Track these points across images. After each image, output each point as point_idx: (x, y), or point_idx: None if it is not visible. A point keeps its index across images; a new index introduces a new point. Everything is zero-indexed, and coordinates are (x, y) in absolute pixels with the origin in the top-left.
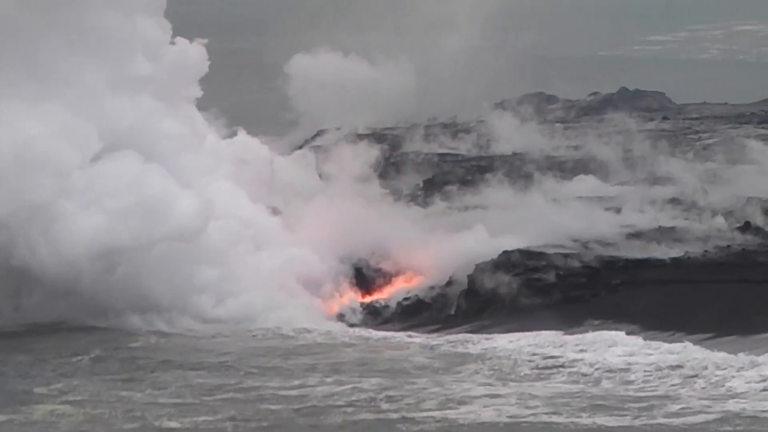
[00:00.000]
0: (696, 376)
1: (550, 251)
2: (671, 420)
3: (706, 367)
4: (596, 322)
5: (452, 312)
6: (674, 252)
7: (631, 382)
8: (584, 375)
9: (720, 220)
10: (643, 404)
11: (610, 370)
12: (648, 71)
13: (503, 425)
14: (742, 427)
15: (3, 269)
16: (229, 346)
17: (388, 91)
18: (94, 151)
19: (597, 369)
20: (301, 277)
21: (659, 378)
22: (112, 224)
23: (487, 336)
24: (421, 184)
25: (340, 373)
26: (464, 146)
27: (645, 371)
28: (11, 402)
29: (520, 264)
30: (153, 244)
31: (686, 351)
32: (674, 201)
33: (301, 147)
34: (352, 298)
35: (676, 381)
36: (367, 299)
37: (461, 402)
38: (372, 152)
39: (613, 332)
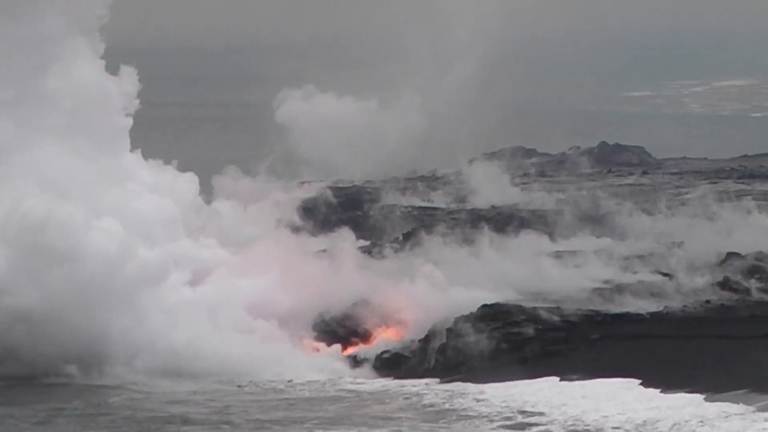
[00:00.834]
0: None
1: (528, 305)
2: None
3: (688, 421)
4: (574, 377)
5: (431, 365)
6: (653, 307)
7: None
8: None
9: (698, 276)
10: None
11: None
12: (628, 126)
13: None
14: None
15: None
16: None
17: (369, 143)
18: None
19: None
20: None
21: None
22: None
23: (463, 391)
24: (401, 237)
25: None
26: (443, 200)
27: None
28: None
29: (499, 317)
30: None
31: (662, 406)
32: (652, 255)
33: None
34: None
35: None
36: (348, 351)
37: None
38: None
39: (591, 385)
